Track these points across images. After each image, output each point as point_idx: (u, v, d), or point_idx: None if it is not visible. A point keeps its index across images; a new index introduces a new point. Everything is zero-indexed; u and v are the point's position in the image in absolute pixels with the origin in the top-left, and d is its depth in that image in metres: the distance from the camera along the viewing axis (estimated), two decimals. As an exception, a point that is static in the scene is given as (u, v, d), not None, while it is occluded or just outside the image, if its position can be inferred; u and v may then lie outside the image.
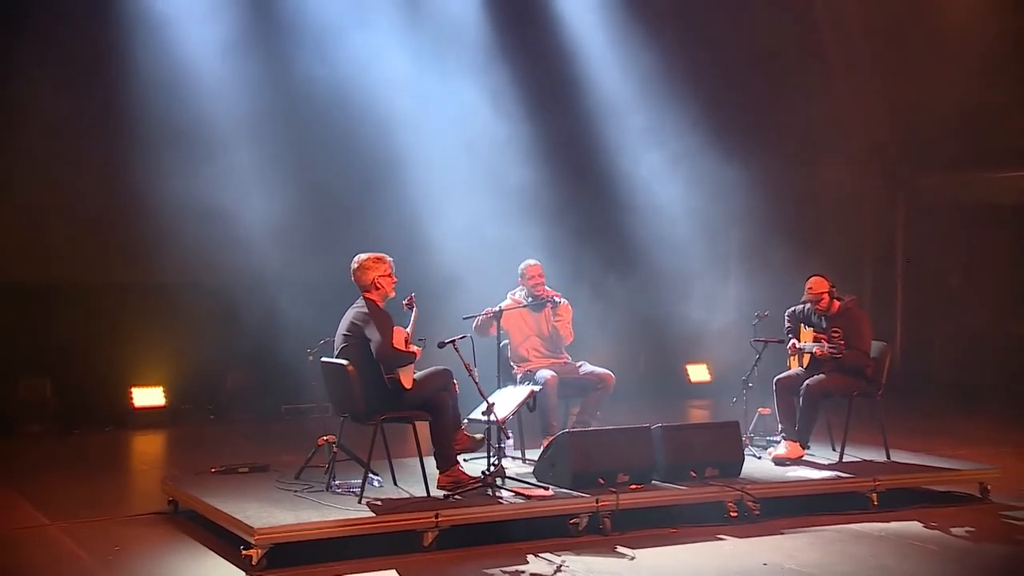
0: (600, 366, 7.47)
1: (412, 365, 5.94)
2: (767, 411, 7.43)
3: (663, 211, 10.29)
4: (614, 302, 10.34)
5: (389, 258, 6.19)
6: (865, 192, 12.36)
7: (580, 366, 7.36)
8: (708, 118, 10.28)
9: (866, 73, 11.21)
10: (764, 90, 11.25)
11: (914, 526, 6.19)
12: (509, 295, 7.40)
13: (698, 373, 12.15)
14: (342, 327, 6.07)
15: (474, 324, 6.99)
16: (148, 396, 9.77)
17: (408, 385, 5.94)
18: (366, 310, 5.99)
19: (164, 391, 9.84)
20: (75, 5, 9.13)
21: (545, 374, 7.06)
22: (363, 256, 6.16)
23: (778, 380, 7.21)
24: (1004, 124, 10.87)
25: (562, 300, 7.31)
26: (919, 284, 12.37)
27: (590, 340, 9.73)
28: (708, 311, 10.43)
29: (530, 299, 7.28)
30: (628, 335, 11.05)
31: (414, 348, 5.97)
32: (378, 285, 6.07)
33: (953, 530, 6.12)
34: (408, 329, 6.02)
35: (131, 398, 9.71)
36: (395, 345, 5.85)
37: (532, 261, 7.37)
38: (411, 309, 6.11)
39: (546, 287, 7.32)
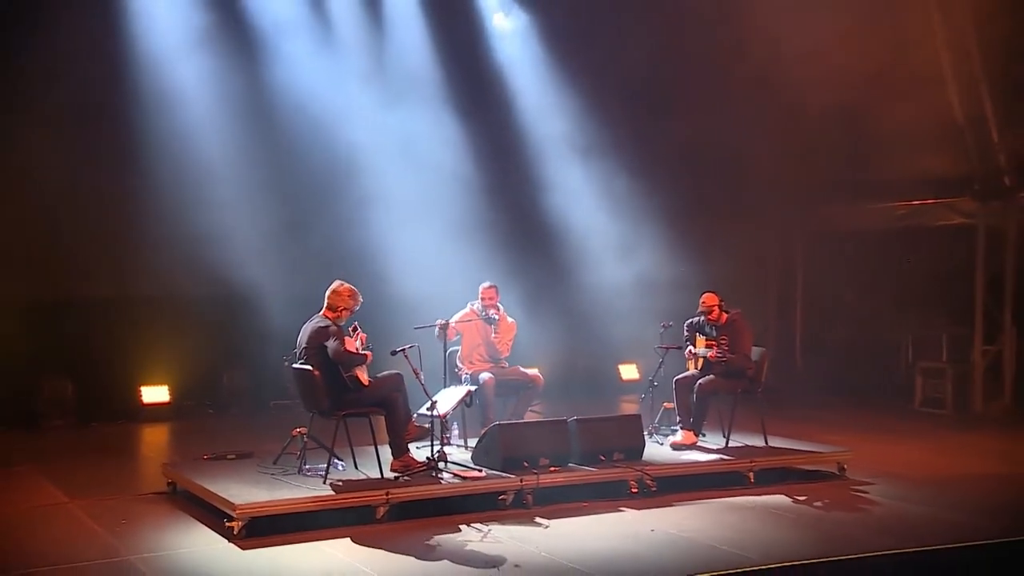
0: (541, 367, 7.92)
1: (366, 365, 6.37)
2: (670, 405, 7.82)
3: (592, 237, 10.58)
4: (554, 313, 10.60)
5: (361, 298, 6.55)
6: (769, 221, 12.78)
7: (515, 369, 7.81)
8: (633, 161, 10.58)
9: (770, 121, 11.68)
10: (687, 136, 11.57)
11: (780, 498, 6.64)
12: (469, 305, 7.79)
13: (629, 372, 12.30)
14: (302, 340, 6.42)
15: (436, 329, 7.35)
16: (155, 393, 9.81)
17: (365, 382, 6.36)
18: (324, 324, 6.37)
19: (169, 389, 9.86)
20: (84, 51, 9.07)
21: (484, 376, 7.49)
22: (346, 285, 6.52)
23: (677, 380, 7.66)
24: (884, 162, 11.35)
25: (497, 316, 7.69)
26: (815, 297, 12.74)
27: (535, 345, 10.09)
28: (633, 320, 10.79)
29: (482, 313, 7.74)
30: (567, 340, 11.29)
31: (364, 353, 6.39)
32: (340, 312, 6.45)
33: (811, 501, 6.59)
34: (357, 344, 6.43)
35: (140, 395, 9.75)
36: (348, 350, 6.27)
37: (487, 284, 7.80)
38: (355, 333, 6.50)
39: (498, 305, 7.74)
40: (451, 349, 7.67)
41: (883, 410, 10.64)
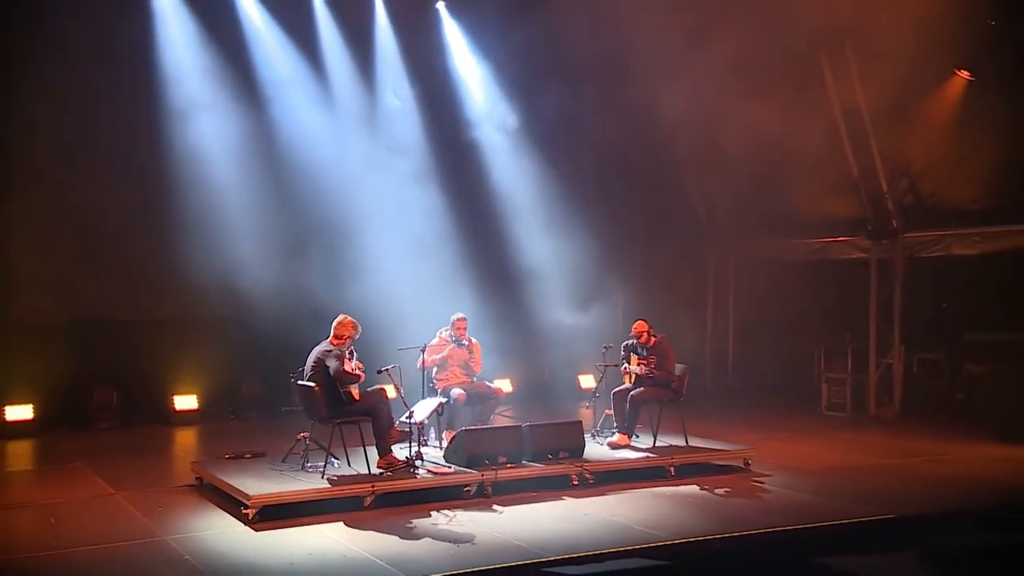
0: (512, 379, 8.40)
1: (358, 383, 6.91)
2: (610, 412, 8.29)
3: (550, 275, 11.04)
4: (523, 335, 11.05)
5: (361, 329, 7.00)
6: (707, 253, 13.32)
7: (483, 382, 8.30)
8: (594, 211, 11.08)
9: (705, 174, 12.31)
10: (646, 187, 12.03)
11: (693, 488, 7.16)
12: (438, 332, 8.22)
13: (587, 381, 12.32)
14: (311, 360, 6.93)
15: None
16: (185, 401, 10.04)
17: (356, 397, 6.93)
18: (328, 348, 6.91)
19: (197, 397, 10.10)
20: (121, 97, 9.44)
21: (456, 391, 7.95)
22: (349, 318, 6.98)
23: (614, 392, 8.17)
24: (799, 207, 11.97)
25: (470, 342, 8.14)
26: (745, 317, 13.22)
27: (507, 361, 10.59)
28: (588, 340, 11.28)
29: (453, 339, 8.20)
30: (535, 356, 11.71)
31: (358, 373, 6.93)
32: (344, 340, 6.93)
33: (717, 490, 7.12)
34: (353, 365, 6.98)
35: (173, 402, 9.99)
36: (345, 370, 6.84)
37: (460, 314, 8.23)
38: (351, 357, 7.01)
39: (465, 332, 8.17)
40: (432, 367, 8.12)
41: (794, 413, 11.09)
